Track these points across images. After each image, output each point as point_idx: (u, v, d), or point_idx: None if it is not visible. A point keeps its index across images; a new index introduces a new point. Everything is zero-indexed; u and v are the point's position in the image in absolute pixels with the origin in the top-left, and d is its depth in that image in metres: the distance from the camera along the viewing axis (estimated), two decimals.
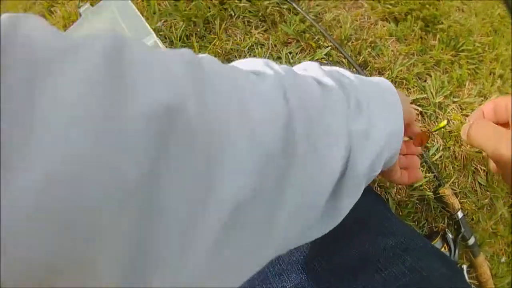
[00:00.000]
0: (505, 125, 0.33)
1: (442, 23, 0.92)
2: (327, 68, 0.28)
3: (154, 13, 0.84)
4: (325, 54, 0.82)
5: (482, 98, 0.92)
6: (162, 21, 0.83)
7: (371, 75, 0.83)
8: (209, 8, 0.84)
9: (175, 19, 0.84)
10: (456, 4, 0.97)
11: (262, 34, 0.85)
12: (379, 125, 0.26)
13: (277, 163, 0.18)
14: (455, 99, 0.88)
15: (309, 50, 0.84)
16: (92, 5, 0.84)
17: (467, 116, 0.89)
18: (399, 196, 0.78)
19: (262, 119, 0.18)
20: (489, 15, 1.01)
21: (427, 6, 0.91)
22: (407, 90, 0.85)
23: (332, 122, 0.22)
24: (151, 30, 0.74)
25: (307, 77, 0.24)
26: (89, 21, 0.78)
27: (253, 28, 0.85)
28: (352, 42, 0.84)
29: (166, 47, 0.78)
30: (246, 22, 0.86)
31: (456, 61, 0.91)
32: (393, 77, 0.84)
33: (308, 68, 0.27)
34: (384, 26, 0.87)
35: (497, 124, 0.32)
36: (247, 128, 0.17)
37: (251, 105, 0.18)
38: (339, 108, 0.23)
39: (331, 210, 0.23)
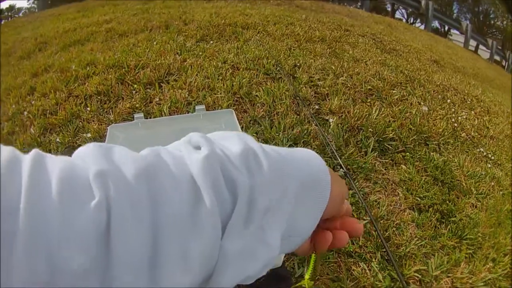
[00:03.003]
0: None
1: (455, 216, 1.25)
2: (253, 145, 0.23)
3: None
4: (365, 225, 1.19)
5: (472, 275, 1.24)
6: None
7: (391, 248, 1.19)
8: None
9: None
10: (471, 201, 1.28)
11: None
12: (272, 239, 0.22)
13: None
14: (449, 275, 1.22)
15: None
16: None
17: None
18: None
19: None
20: (498, 210, 1.32)
21: (447, 202, 1.25)
22: (413, 263, 1.20)
23: (191, 245, 0.18)
24: None
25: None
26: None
27: None
28: (384, 220, 1.21)
29: None
30: None
31: (458, 246, 1.24)
32: (405, 251, 1.20)
33: (226, 138, 0.23)
34: (409, 214, 1.22)
35: None
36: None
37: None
38: (207, 231, 0.19)
39: None
